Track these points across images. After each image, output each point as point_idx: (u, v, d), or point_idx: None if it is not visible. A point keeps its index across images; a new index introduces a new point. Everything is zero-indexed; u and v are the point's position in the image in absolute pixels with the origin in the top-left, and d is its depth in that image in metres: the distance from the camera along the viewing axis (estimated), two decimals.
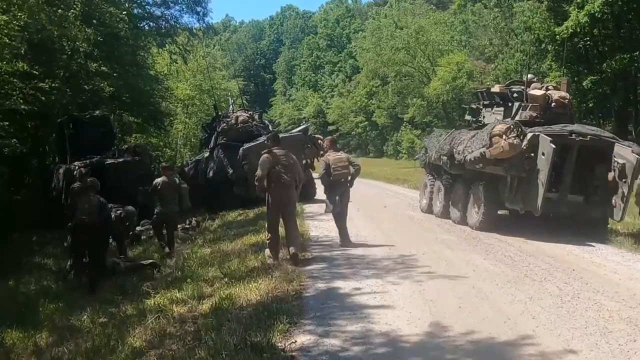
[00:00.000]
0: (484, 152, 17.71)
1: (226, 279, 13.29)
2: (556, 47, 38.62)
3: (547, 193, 17.04)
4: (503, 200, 18.55)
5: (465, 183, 20.33)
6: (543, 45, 42.10)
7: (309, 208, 24.97)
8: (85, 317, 12.98)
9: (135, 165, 25.39)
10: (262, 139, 26.17)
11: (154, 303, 12.53)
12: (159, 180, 19.32)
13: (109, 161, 25.05)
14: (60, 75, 32.91)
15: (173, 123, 54.54)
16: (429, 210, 23.34)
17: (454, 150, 19.85)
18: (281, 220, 14.92)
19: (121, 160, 25.65)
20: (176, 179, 19.92)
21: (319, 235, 18.34)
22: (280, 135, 28.29)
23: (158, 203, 19.20)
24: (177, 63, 43.14)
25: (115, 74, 35.07)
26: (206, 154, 30.00)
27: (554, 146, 16.59)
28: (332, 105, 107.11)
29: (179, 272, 15.31)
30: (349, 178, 17.34)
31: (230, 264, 14.80)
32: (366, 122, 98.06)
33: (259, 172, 14.75)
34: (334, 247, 16.39)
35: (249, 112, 30.70)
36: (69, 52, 32.13)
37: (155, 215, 19.48)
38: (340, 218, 17.00)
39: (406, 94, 77.80)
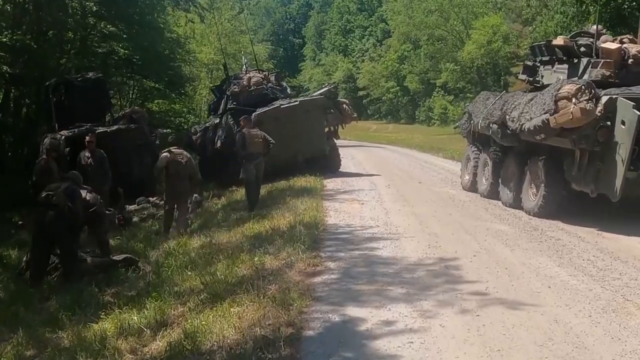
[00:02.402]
0: (547, 120, 13.63)
1: (204, 294, 9.55)
2: (599, 8, 34.27)
3: (628, 172, 12.84)
4: (569, 180, 14.38)
5: (520, 157, 16.26)
6: (584, 6, 37.72)
7: (330, 184, 20.97)
8: (8, 347, 9.35)
9: (130, 133, 21.48)
10: (277, 103, 22.36)
11: (99, 330, 9.00)
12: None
13: (100, 129, 21.12)
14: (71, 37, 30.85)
15: (197, 88, 51.72)
16: (472, 188, 19.24)
17: (507, 117, 15.74)
18: None
19: (114, 128, 21.75)
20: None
21: (339, 224, 14.36)
22: (300, 98, 24.83)
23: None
24: (194, 22, 39.36)
25: (125, 36, 32.81)
26: (216, 121, 25.98)
27: (638, 113, 12.43)
28: (362, 70, 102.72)
29: (153, 276, 11.74)
30: (264, 151, 17.95)
31: (217, 267, 11.11)
32: (397, 88, 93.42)
33: None
34: (355, 241, 12.45)
35: (264, 73, 26.48)
36: (79, 12, 29.74)
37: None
38: (251, 186, 17.71)
39: (439, 58, 74.28)
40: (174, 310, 9.13)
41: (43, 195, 12.97)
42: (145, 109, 42.92)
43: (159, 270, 12.07)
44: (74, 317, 10.17)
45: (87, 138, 17.90)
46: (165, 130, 41.60)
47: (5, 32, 25.25)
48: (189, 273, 10.98)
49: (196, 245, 13.45)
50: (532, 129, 14.32)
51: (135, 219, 18.67)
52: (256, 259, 10.99)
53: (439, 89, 78.12)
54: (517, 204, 16.08)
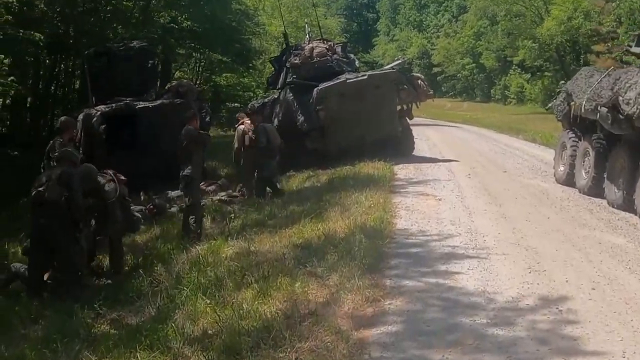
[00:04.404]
0: None
1: (218, 340, 6.71)
2: None
3: None
4: None
5: (633, 148, 12.68)
6: None
7: (402, 171, 17.69)
8: None
9: (176, 109, 18.37)
10: (343, 77, 19.18)
11: None
12: None
13: (141, 105, 18.31)
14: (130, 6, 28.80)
15: (266, 62, 49.15)
16: (568, 181, 15.63)
17: (620, 98, 12.26)
18: None
19: (157, 103, 18.84)
20: None
21: (410, 229, 11.10)
22: (369, 72, 21.64)
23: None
24: None
25: (184, 3, 31.11)
26: (274, 96, 22.88)
27: None
28: (437, 46, 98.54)
29: (165, 300, 8.58)
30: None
31: (246, 293, 8.15)
32: (473, 65, 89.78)
33: None
34: (430, 260, 9.22)
35: (328, 43, 23.05)
36: None
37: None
38: (268, 186, 16.03)
39: (516, 35, 69.86)
40: None
41: (33, 193, 10.15)
42: (213, 82, 41.09)
43: (177, 286, 9.04)
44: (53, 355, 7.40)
45: None
46: (233, 104, 39.38)
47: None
48: (207, 301, 7.92)
49: (230, 253, 10.36)
50: None
51: (174, 208, 15.65)
52: (297, 285, 7.90)
53: (516, 67, 74.84)
54: (628, 205, 12.56)
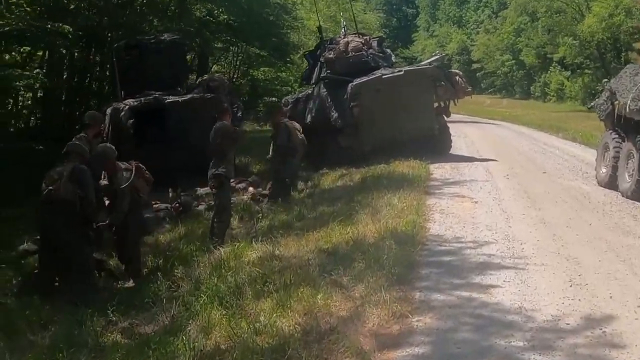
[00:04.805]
0: None
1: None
2: None
3: None
4: None
5: None
6: None
7: (438, 171, 17.00)
8: None
9: (205, 104, 17.74)
10: (379, 72, 18.51)
11: None
12: None
13: (170, 99, 17.76)
14: None
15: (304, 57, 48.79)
16: (610, 184, 14.79)
17: None
18: None
19: (187, 97, 18.23)
20: None
21: (444, 235, 10.43)
22: (405, 67, 20.95)
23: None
24: None
25: None
26: (308, 91, 22.21)
27: None
28: (477, 42, 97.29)
29: (181, 307, 8.06)
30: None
31: (265, 303, 7.56)
32: (513, 61, 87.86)
33: None
34: (463, 270, 8.55)
35: (364, 38, 22.28)
36: None
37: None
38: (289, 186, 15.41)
39: (557, 31, 68.41)
40: None
41: (44, 192, 9.60)
42: (250, 76, 40.57)
43: (195, 292, 8.50)
44: None
45: None
46: (271, 99, 38.90)
47: None
48: (223, 312, 7.34)
49: (254, 257, 9.75)
50: None
51: (201, 206, 15.07)
52: (319, 297, 7.28)
53: (556, 64, 73.23)
54: None
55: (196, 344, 6.54)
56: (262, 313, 7.15)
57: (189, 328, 7.14)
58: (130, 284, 10.52)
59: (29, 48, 18.84)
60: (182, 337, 6.72)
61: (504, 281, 7.94)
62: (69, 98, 24.00)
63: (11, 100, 20.60)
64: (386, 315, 6.77)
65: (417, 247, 9.32)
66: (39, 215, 10.03)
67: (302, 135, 16.01)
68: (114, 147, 10.77)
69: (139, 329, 7.96)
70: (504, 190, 14.21)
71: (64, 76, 24.21)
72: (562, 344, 6.16)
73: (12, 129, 20.83)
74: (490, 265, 8.62)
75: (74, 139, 11.35)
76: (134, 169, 10.55)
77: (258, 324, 6.78)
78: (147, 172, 10.87)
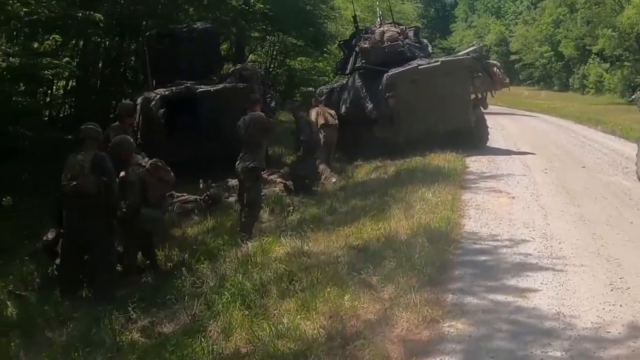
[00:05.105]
0: None
1: None
2: None
3: None
4: None
5: None
6: None
7: (474, 164, 16.51)
8: None
9: (238, 94, 17.07)
10: (415, 62, 18.06)
11: None
12: None
13: (202, 89, 17.39)
14: None
15: None
16: None
17: None
18: None
19: (219, 87, 17.78)
20: None
21: (479, 232, 9.97)
22: (442, 58, 20.42)
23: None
24: None
25: None
26: (343, 81, 21.76)
27: None
28: (515, 33, 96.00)
29: (202, 306, 7.67)
30: None
31: (290, 304, 7.22)
32: (551, 53, 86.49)
33: None
34: (499, 271, 8.09)
35: (400, 27, 21.73)
36: None
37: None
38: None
39: (596, 23, 67.06)
40: None
41: (70, 185, 9.17)
42: (287, 66, 40.21)
43: (219, 289, 8.16)
44: None
45: None
46: (307, 89, 38.57)
47: None
48: (246, 312, 6.98)
49: (282, 253, 9.40)
50: None
51: (232, 198, 14.68)
52: (346, 297, 6.91)
53: (595, 56, 71.86)
54: None
55: (215, 346, 6.20)
56: (285, 314, 6.82)
57: (210, 328, 6.82)
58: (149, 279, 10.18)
59: (58, 36, 18.53)
60: (201, 339, 6.39)
61: (541, 283, 7.49)
62: (103, 87, 23.73)
63: (44, 90, 20.34)
64: (416, 319, 6.38)
65: (451, 245, 8.90)
66: (66, 211, 9.67)
67: (336, 120, 16.04)
68: (131, 140, 10.31)
69: (158, 328, 7.63)
70: (542, 185, 13.70)
71: (99, 65, 23.95)
72: (604, 355, 5.72)
73: (46, 119, 20.59)
74: (526, 266, 8.17)
75: (110, 129, 11.05)
76: (148, 165, 10.06)
77: (281, 326, 6.44)
78: (165, 172, 10.20)
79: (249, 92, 15.71)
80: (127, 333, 7.60)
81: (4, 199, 16.16)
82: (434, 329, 6.26)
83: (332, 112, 15.98)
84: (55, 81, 20.13)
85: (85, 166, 9.09)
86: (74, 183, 9.07)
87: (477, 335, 6.16)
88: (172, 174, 10.17)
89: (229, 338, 6.47)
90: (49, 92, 21.00)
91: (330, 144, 16.73)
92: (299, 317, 6.63)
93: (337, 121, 16.48)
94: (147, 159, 10.23)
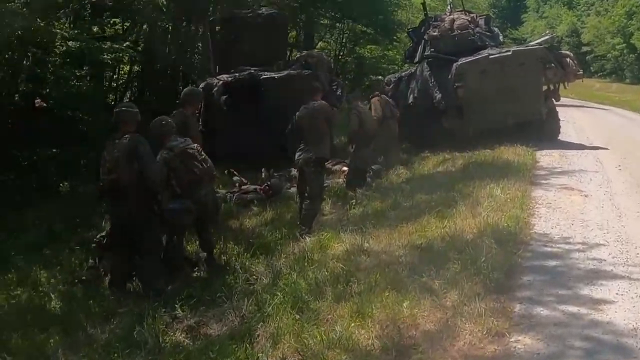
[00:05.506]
0: None
1: None
2: None
3: None
4: None
5: None
6: None
7: (545, 158, 15.72)
8: None
9: (302, 81, 16.55)
10: (485, 52, 17.55)
11: None
12: None
13: (266, 75, 16.95)
14: None
15: None
16: None
17: None
18: None
19: (284, 74, 17.34)
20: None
21: (550, 234, 9.18)
22: (513, 48, 19.59)
23: None
24: None
25: None
26: (411, 70, 21.10)
27: None
28: (587, 24, 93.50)
29: (252, 307, 7.19)
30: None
31: (344, 309, 6.66)
32: (624, 45, 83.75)
33: None
34: (570, 279, 7.31)
35: (471, 15, 20.88)
36: None
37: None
38: (360, 175, 13.86)
39: None
40: None
41: (107, 180, 8.80)
42: (356, 54, 39.69)
43: (272, 288, 7.69)
44: None
45: None
46: (377, 77, 38.02)
47: None
48: (296, 317, 6.49)
49: (340, 250, 8.86)
50: None
51: (293, 189, 14.16)
52: (405, 304, 6.34)
53: None
54: None
55: (260, 355, 5.71)
56: (339, 320, 6.27)
57: (258, 333, 6.33)
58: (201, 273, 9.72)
59: (118, 20, 18.35)
60: (246, 346, 5.90)
61: (617, 294, 6.78)
62: (170, 72, 23.51)
63: (109, 75, 20.23)
64: (480, 331, 5.79)
65: (520, 247, 8.20)
66: (108, 203, 9.29)
67: (396, 110, 15.84)
68: (168, 121, 9.69)
69: (204, 329, 7.20)
70: (616, 183, 12.84)
71: (167, 50, 23.73)
72: None
73: (112, 103, 20.43)
74: (601, 274, 7.43)
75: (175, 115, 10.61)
76: (176, 149, 9.47)
77: (333, 334, 5.90)
78: (197, 162, 9.39)
79: (314, 80, 15.24)
80: (171, 333, 7.18)
81: (61, 184, 16.01)
82: (499, 343, 5.65)
83: (388, 102, 15.63)
84: (121, 66, 20.00)
85: (119, 156, 8.64)
86: (111, 177, 8.68)
87: (547, 353, 5.52)
88: (208, 165, 9.56)
89: (277, 345, 5.98)
90: (114, 76, 20.86)
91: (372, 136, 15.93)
92: (353, 324, 6.10)
93: (396, 110, 15.94)
94: (188, 144, 9.57)
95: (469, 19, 19.78)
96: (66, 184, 16.00)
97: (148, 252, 8.86)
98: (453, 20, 19.34)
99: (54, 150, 16.37)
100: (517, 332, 5.87)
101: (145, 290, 8.61)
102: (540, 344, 5.65)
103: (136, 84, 22.75)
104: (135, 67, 22.17)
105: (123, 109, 9.26)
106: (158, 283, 8.69)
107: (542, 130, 18.33)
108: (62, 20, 16.99)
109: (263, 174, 15.12)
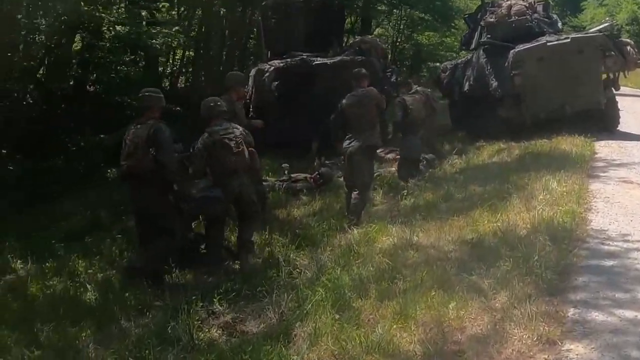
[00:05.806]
0: None
1: None
2: None
3: None
4: None
5: None
6: None
7: (603, 150, 15.13)
8: None
9: (355, 67, 16.18)
10: (543, 39, 17.01)
11: None
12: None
13: (319, 61, 16.64)
14: None
15: None
16: None
17: None
18: None
19: (336, 60, 16.99)
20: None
21: (607, 230, 8.60)
22: (572, 35, 18.91)
23: None
24: None
25: None
26: (468, 57, 20.57)
27: None
28: None
29: (291, 304, 6.89)
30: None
31: (387, 309, 6.31)
32: None
33: None
34: (627, 281, 6.77)
35: (529, 1, 20.14)
36: None
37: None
38: (408, 165, 13.33)
39: None
40: None
41: (125, 164, 8.66)
42: (414, 40, 39.19)
43: (314, 284, 7.34)
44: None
45: None
46: (434, 64, 37.63)
47: None
48: (336, 316, 6.13)
49: (388, 244, 8.49)
50: None
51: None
52: (452, 305, 5.95)
53: None
54: None
55: (295, 358, 5.39)
56: (380, 321, 5.91)
57: (295, 332, 6.00)
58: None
59: (170, 5, 18.19)
60: (281, 347, 5.58)
61: None
62: (226, 58, 23.31)
63: (164, 60, 20.11)
64: (530, 338, 5.37)
65: (575, 245, 7.73)
66: (130, 189, 9.07)
67: (437, 103, 15.47)
68: (216, 103, 9.37)
69: (241, 326, 6.90)
70: None
71: (225, 35, 23.53)
72: None
73: (168, 88, 20.34)
74: None
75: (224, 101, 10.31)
76: (216, 137, 9.04)
77: (373, 337, 5.54)
78: (234, 155, 9.03)
79: (368, 66, 14.84)
80: (206, 329, 6.91)
81: (109, 171, 15.90)
82: (550, 351, 5.21)
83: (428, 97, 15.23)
84: (175, 51, 19.86)
85: (139, 142, 8.43)
86: (129, 162, 8.50)
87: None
88: (245, 157, 9.22)
89: (314, 347, 5.64)
90: (167, 62, 20.75)
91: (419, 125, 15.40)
92: (395, 326, 5.74)
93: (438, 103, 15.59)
94: (228, 132, 9.22)
95: (527, 5, 19.11)
96: (113, 170, 15.92)
97: (158, 237, 8.65)
98: (510, 6, 18.72)
99: (102, 135, 16.30)
100: (569, 339, 5.42)
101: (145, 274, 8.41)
102: (594, 354, 5.20)
103: (190, 69, 22.58)
104: (188, 53, 22.00)
105: (147, 93, 9.04)
106: (158, 270, 8.52)
107: (601, 120, 17.69)
108: (115, 6, 16.88)
109: (315, 162, 14.81)
